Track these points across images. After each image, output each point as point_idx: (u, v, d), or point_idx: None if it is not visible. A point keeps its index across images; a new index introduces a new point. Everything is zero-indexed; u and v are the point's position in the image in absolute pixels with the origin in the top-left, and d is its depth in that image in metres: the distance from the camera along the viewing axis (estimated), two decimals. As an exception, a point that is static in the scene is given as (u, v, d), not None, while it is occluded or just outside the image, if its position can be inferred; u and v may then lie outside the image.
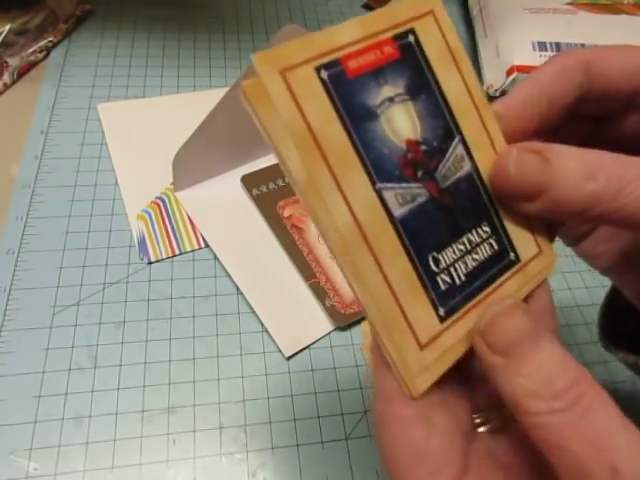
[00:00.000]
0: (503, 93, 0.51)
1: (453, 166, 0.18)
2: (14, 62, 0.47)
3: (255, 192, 0.41)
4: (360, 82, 0.16)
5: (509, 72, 0.51)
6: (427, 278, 0.17)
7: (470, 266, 0.18)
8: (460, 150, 0.18)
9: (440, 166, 0.18)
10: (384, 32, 0.17)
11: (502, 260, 0.19)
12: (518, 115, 0.19)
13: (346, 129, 0.16)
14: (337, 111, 0.16)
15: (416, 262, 0.17)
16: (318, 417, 0.33)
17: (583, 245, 0.23)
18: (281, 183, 0.41)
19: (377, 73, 0.17)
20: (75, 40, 0.51)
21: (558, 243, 0.22)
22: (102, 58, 0.50)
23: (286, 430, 0.32)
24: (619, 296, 0.25)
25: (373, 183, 0.16)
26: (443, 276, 0.17)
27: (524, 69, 0.51)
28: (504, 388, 0.15)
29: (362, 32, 0.16)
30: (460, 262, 0.18)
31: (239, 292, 0.37)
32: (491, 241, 0.19)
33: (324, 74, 0.15)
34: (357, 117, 0.16)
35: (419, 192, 0.17)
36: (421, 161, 0.17)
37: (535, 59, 0.51)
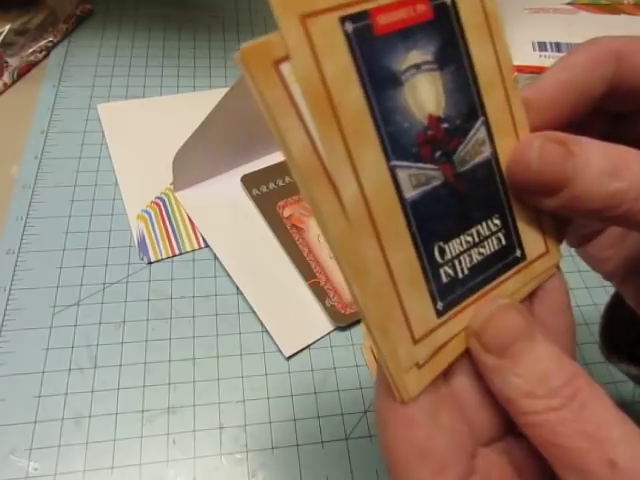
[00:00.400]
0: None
1: (473, 150, 0.17)
2: (14, 62, 0.47)
3: (255, 192, 0.41)
4: (387, 42, 0.14)
5: (509, 72, 0.51)
6: (430, 269, 0.16)
7: (475, 260, 0.17)
8: (482, 133, 0.17)
9: (460, 148, 0.16)
10: None
11: (508, 256, 0.18)
12: (548, 103, 0.18)
13: (366, 95, 0.14)
14: (358, 73, 0.14)
15: (421, 251, 0.15)
16: (318, 417, 0.33)
17: (588, 248, 0.23)
18: (281, 183, 0.41)
19: (406, 34, 0.15)
20: (75, 40, 0.51)
21: (558, 243, 0.21)
22: (102, 58, 0.50)
23: (286, 430, 0.32)
24: (620, 306, 0.24)
25: (388, 159, 0.15)
26: (446, 268, 0.16)
27: (524, 69, 0.51)
28: (499, 388, 0.15)
29: None
30: (465, 255, 0.17)
31: (239, 292, 0.37)
32: (500, 235, 0.18)
33: (349, 27, 0.14)
34: (379, 83, 0.14)
35: (434, 175, 0.16)
36: (440, 140, 0.16)
37: (535, 59, 0.51)
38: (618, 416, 0.14)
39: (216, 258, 0.38)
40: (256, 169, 0.42)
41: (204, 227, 0.39)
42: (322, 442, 0.32)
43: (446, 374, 0.17)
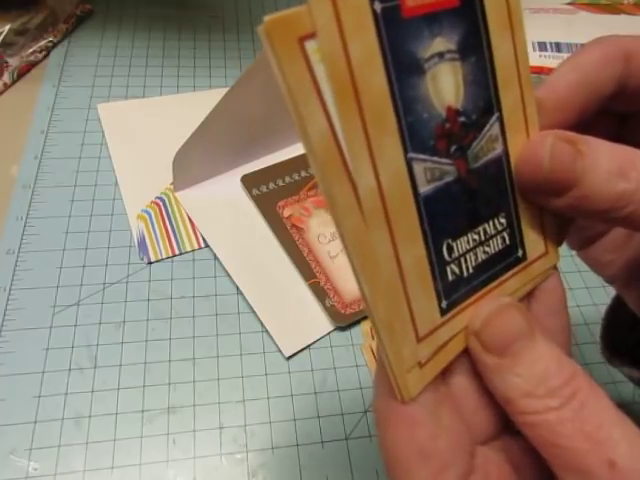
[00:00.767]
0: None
1: (486, 146, 0.16)
2: (14, 62, 0.47)
3: (255, 192, 0.41)
4: (414, 26, 0.14)
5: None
6: (438, 267, 0.15)
7: (480, 259, 0.17)
8: (496, 129, 0.16)
9: (474, 144, 0.16)
10: None
11: (510, 256, 0.18)
12: (560, 103, 0.18)
13: (389, 81, 0.13)
14: (384, 57, 0.13)
15: (431, 248, 0.15)
16: (318, 417, 0.33)
17: (589, 251, 0.23)
18: (281, 183, 0.41)
19: (432, 19, 0.14)
20: (75, 40, 0.51)
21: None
22: (102, 58, 0.50)
23: (286, 430, 0.32)
24: (621, 308, 0.24)
25: (405, 151, 0.14)
26: (453, 266, 0.16)
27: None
28: (499, 388, 0.15)
29: None
30: (472, 253, 0.16)
31: (239, 292, 0.37)
32: (504, 235, 0.17)
33: (378, 6, 0.13)
34: (404, 69, 0.14)
35: (448, 170, 0.15)
36: (457, 134, 0.15)
37: (535, 59, 0.51)
38: (618, 416, 0.14)
39: (216, 258, 0.38)
40: (256, 169, 0.42)
41: (204, 227, 0.39)
42: (322, 442, 0.32)
43: (444, 373, 0.17)
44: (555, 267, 0.19)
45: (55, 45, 0.50)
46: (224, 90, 0.36)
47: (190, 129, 0.37)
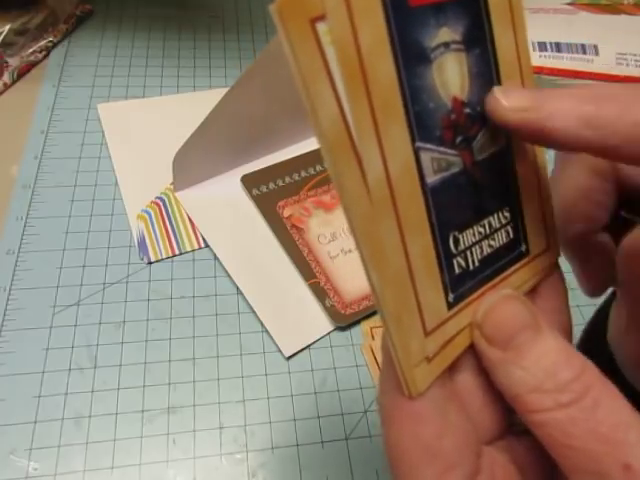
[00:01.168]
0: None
1: (490, 138, 0.16)
2: (14, 62, 0.47)
3: (255, 192, 0.41)
4: (421, 14, 0.14)
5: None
6: (445, 259, 0.15)
7: (485, 252, 0.16)
8: None
9: (479, 135, 0.16)
10: None
11: (514, 250, 0.17)
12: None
13: (397, 69, 0.13)
14: (392, 44, 0.13)
15: (437, 240, 0.15)
16: (318, 417, 0.33)
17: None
18: (281, 183, 0.41)
19: (438, 9, 0.14)
20: (75, 40, 0.51)
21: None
22: (102, 58, 0.50)
23: (286, 430, 0.32)
24: (602, 322, 0.23)
25: (413, 140, 0.14)
26: (459, 259, 0.16)
27: (524, 69, 0.51)
28: (504, 384, 0.15)
29: None
30: (477, 246, 0.16)
31: (239, 292, 0.37)
32: (509, 228, 0.17)
33: None
34: (411, 57, 0.14)
35: (454, 161, 0.15)
36: (463, 125, 0.15)
37: (535, 59, 0.51)
38: (633, 416, 0.13)
39: (216, 258, 0.38)
40: (256, 169, 0.42)
41: (204, 227, 0.39)
42: (322, 442, 0.32)
43: (449, 370, 0.16)
44: (557, 265, 0.19)
45: (55, 45, 0.50)
46: (224, 90, 0.36)
47: (190, 129, 0.37)
